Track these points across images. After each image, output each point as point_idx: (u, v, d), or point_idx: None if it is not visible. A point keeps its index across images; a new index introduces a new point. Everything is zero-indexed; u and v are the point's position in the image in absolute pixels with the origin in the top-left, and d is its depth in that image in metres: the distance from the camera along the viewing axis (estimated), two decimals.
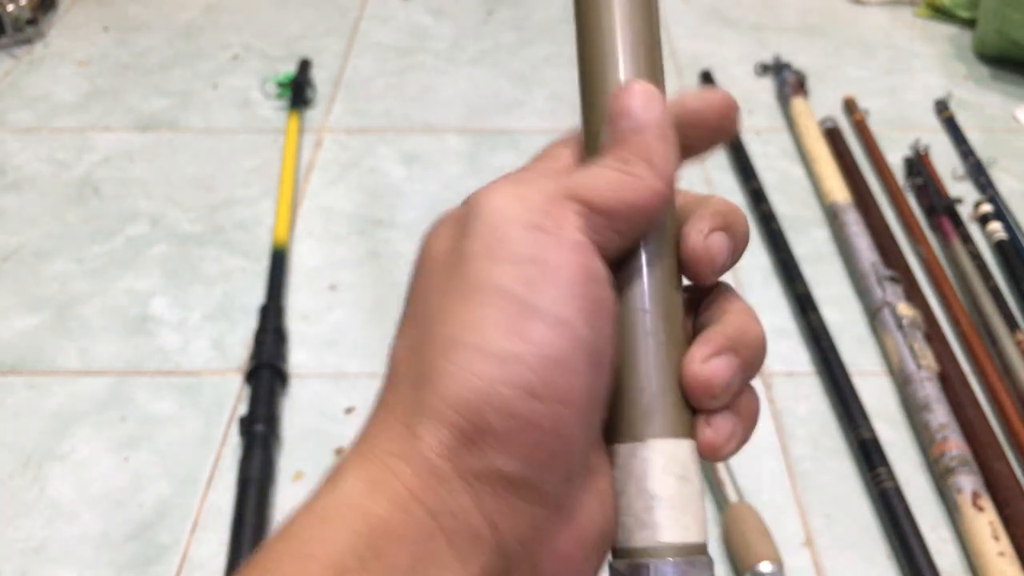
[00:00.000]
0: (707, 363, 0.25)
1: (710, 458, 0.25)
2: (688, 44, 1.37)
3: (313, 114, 1.20)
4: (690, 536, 0.24)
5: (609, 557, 0.25)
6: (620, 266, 0.25)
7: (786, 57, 1.28)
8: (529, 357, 0.22)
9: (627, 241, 0.25)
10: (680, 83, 1.27)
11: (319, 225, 1.03)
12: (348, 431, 0.80)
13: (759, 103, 1.23)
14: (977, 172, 1.08)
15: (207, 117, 1.21)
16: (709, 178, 1.09)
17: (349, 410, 0.82)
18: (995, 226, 0.99)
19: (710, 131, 0.27)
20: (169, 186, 1.09)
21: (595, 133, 0.26)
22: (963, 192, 1.06)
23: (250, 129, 1.18)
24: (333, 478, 0.23)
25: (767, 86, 1.26)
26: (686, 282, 0.27)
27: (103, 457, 0.78)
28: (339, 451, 0.78)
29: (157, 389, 0.84)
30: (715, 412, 0.25)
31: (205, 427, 0.80)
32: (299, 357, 0.86)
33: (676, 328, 0.26)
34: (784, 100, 1.21)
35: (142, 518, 0.74)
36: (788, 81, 1.21)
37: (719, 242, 0.26)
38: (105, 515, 0.74)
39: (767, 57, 1.29)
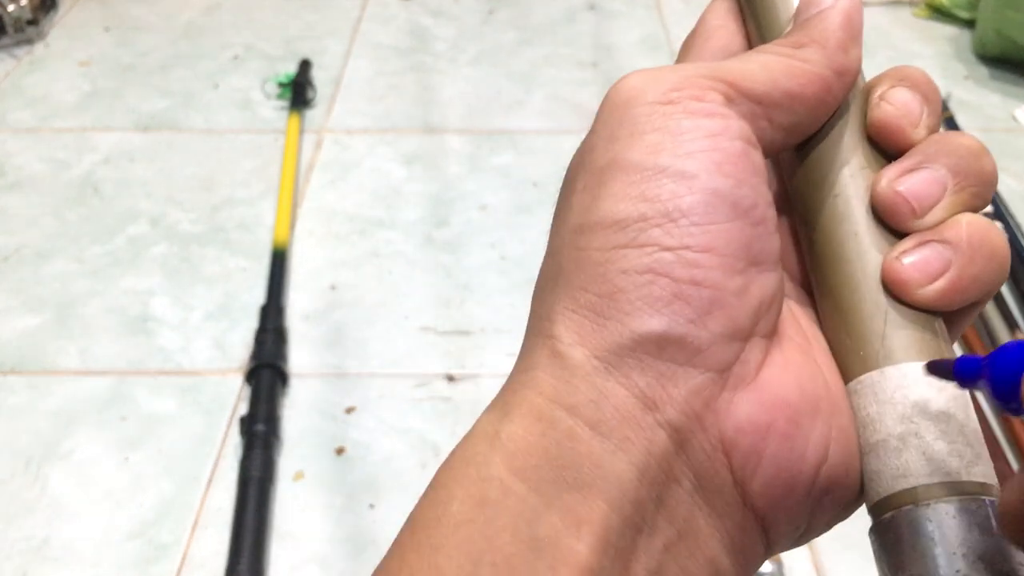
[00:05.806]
0: (899, 180, 0.22)
1: (903, 297, 0.21)
2: None
3: (313, 114, 1.21)
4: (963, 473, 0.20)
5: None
6: (799, 168, 0.23)
7: None
8: (654, 215, 0.20)
9: (792, 137, 0.23)
10: None
11: (319, 225, 1.03)
12: (348, 431, 0.80)
13: None
14: None
15: (208, 117, 1.21)
16: None
17: (349, 410, 0.82)
18: None
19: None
20: (170, 186, 1.09)
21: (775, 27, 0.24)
22: None
23: (250, 129, 1.18)
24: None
25: None
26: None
27: (104, 457, 0.78)
28: (339, 450, 0.79)
29: (158, 389, 0.84)
30: (912, 247, 0.21)
31: (206, 427, 0.80)
32: (299, 357, 0.87)
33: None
34: None
35: (143, 517, 0.74)
36: None
37: (901, 95, 0.23)
38: (106, 514, 0.74)
39: None
